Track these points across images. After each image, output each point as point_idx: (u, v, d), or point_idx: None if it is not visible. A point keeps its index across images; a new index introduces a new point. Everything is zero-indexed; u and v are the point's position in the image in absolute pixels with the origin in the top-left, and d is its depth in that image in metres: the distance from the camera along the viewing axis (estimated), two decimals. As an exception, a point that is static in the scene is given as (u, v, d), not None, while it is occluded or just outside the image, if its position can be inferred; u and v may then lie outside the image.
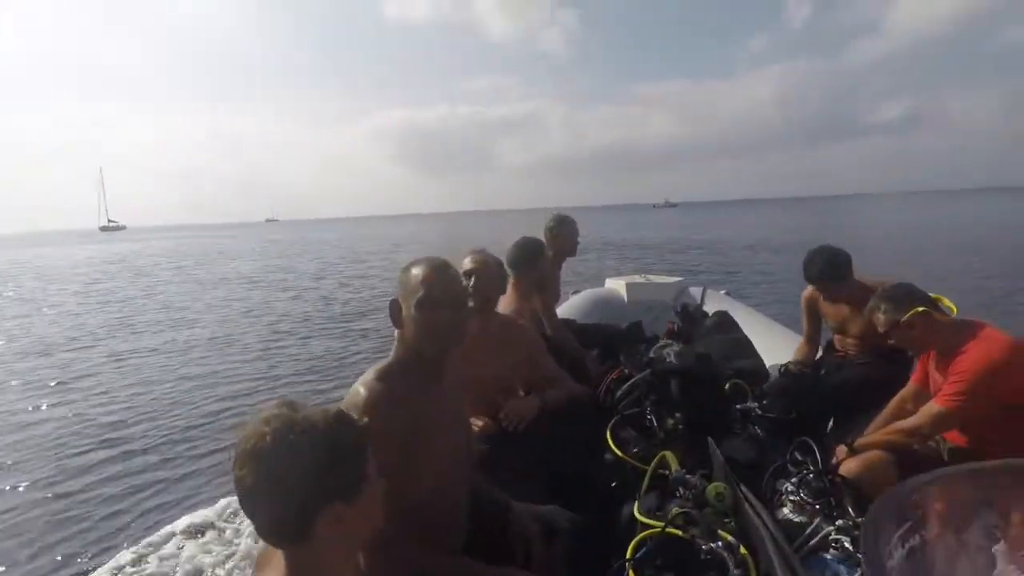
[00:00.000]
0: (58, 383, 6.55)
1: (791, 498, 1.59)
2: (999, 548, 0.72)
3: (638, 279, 4.76)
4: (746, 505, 1.43)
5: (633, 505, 1.62)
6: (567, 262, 3.37)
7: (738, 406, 2.27)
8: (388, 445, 1.13)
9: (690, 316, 3.51)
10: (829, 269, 2.63)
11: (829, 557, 1.37)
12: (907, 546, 0.71)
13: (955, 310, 1.95)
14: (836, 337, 2.91)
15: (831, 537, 1.37)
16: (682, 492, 1.58)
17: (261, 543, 0.85)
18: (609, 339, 3.41)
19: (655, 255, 20.07)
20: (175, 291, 15.24)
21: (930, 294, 1.94)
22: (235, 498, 0.79)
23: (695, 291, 4.39)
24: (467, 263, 2.16)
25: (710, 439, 1.83)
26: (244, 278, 17.97)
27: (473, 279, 2.08)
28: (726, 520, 1.49)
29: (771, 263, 15.33)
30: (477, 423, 1.98)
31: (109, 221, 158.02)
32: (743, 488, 1.52)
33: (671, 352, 2.17)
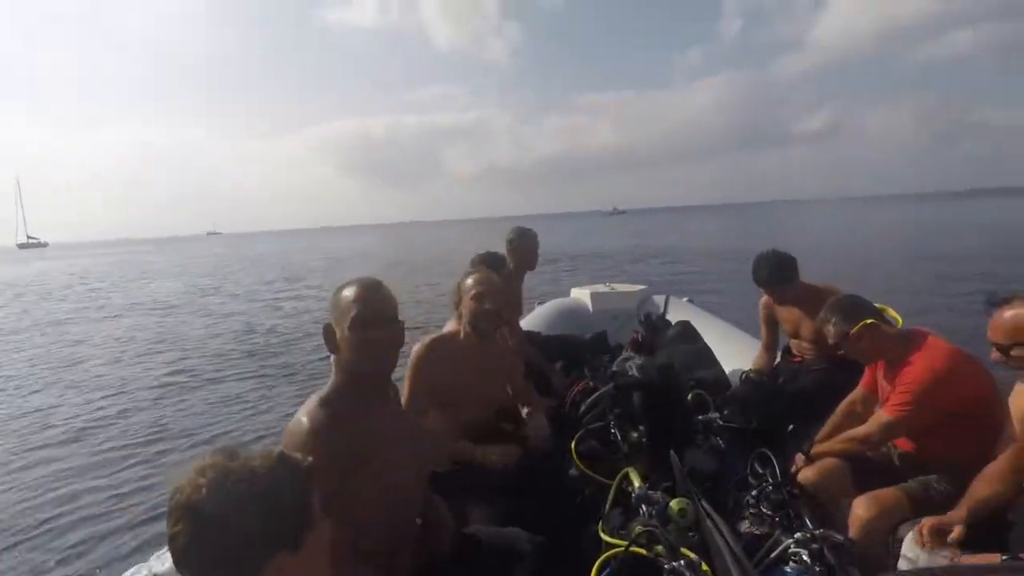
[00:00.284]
0: None
1: (751, 511, 1.61)
2: None
3: (602, 288, 4.80)
4: (707, 520, 1.44)
5: (598, 524, 1.61)
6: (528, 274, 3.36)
7: (700, 417, 2.31)
8: (331, 473, 1.14)
9: (653, 325, 3.55)
10: (776, 272, 2.74)
11: (789, 570, 1.38)
12: None
13: (900, 320, 2.03)
14: (792, 342, 2.99)
15: (790, 550, 1.39)
16: (645, 509, 1.58)
17: None
18: (574, 351, 3.42)
19: (613, 264, 19.89)
20: (76, 319, 13.19)
21: (876, 305, 2.01)
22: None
23: (658, 299, 4.45)
24: (474, 285, 2.13)
25: (672, 452, 1.84)
26: (160, 303, 15.92)
27: (488, 301, 2.09)
28: (690, 534, 1.50)
29: (729, 269, 15.42)
30: (493, 453, 1.99)
31: (29, 238, 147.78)
32: (704, 503, 1.53)
33: (633, 365, 2.19)
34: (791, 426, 2.49)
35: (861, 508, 1.73)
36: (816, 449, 2.04)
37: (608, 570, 1.38)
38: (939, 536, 1.47)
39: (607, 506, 1.71)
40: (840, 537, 1.38)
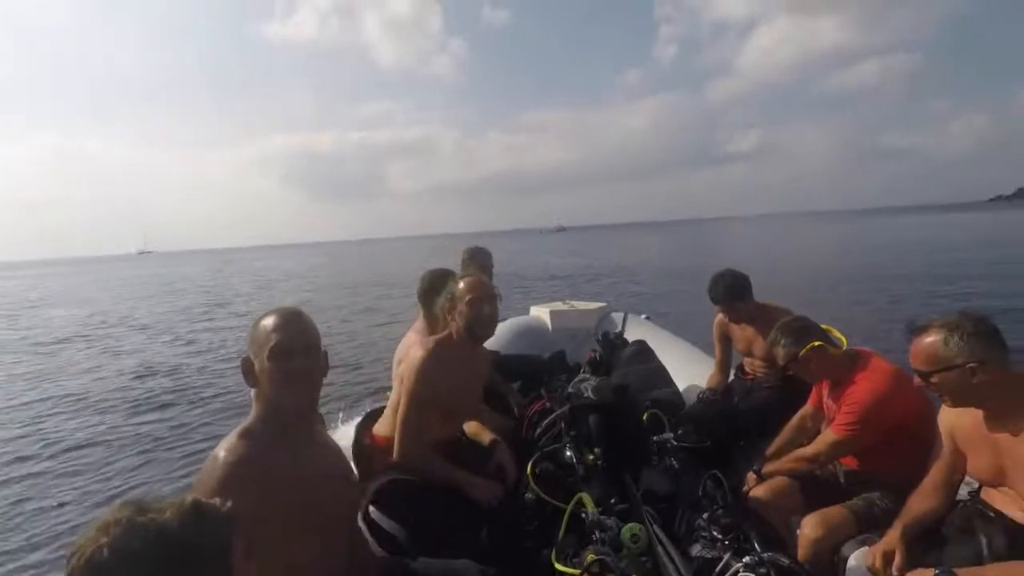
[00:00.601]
0: None
1: (703, 534, 1.61)
2: None
3: (561, 306, 4.81)
4: (659, 546, 1.43)
5: (551, 551, 1.58)
6: None
7: (655, 437, 2.31)
8: (254, 512, 1.07)
9: (611, 344, 3.57)
10: (731, 290, 2.83)
11: (738, 594, 1.38)
12: None
13: (845, 341, 2.10)
14: (745, 360, 3.07)
15: (739, 574, 1.39)
16: (598, 535, 1.56)
17: None
18: (532, 370, 3.40)
19: (566, 284, 19.31)
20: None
21: (822, 326, 2.08)
22: None
23: (617, 316, 4.49)
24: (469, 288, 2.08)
25: (627, 475, 1.83)
26: (51, 336, 13.73)
27: (485, 306, 2.07)
28: (643, 559, 1.49)
29: (681, 287, 15.69)
30: (480, 486, 1.95)
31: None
32: (656, 528, 1.52)
33: (589, 386, 2.18)
34: (744, 445, 2.53)
35: (809, 527, 1.76)
36: (767, 468, 2.08)
37: None
38: (889, 560, 1.49)
39: (560, 533, 1.68)
40: (786, 560, 1.40)
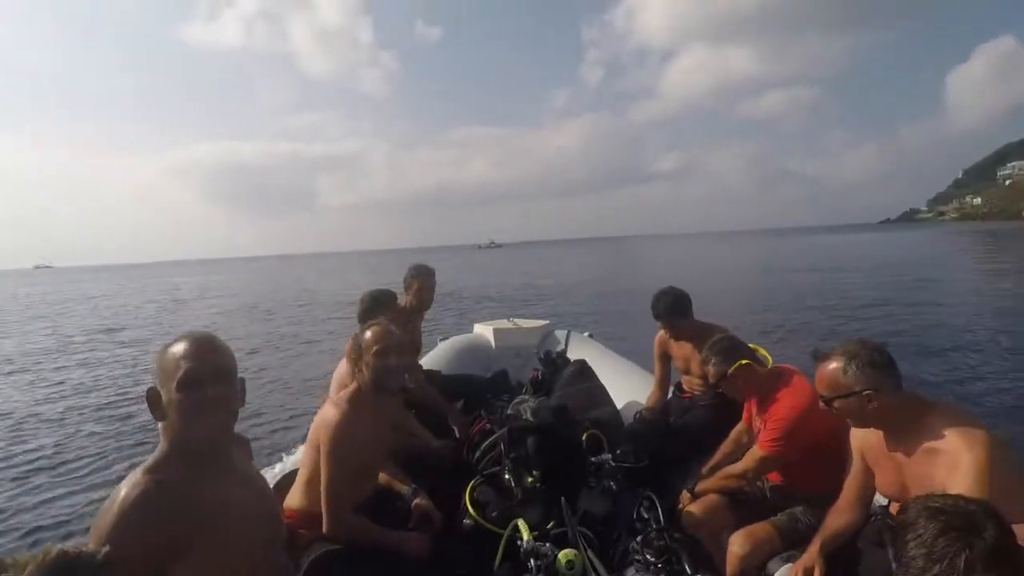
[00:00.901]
0: None
1: (636, 557, 1.62)
2: None
3: (505, 324, 4.81)
4: (592, 573, 1.42)
5: None
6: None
7: (594, 458, 2.32)
8: (162, 551, 1.05)
9: (553, 363, 3.58)
10: (674, 307, 2.86)
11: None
12: None
13: (770, 359, 2.18)
14: (684, 377, 3.12)
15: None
16: (534, 564, 1.54)
17: None
18: (474, 389, 3.36)
19: (506, 301, 18.50)
20: None
21: (749, 345, 2.16)
22: None
23: (560, 334, 4.53)
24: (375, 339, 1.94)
25: (563, 499, 1.82)
26: None
27: (392, 357, 1.93)
28: None
29: (621, 304, 15.75)
30: (407, 540, 1.83)
31: None
32: (590, 554, 1.51)
33: (527, 408, 2.17)
34: (681, 463, 2.58)
35: (736, 545, 1.81)
36: (699, 486, 2.13)
37: None
38: None
39: (496, 562, 1.65)
40: None
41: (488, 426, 2.58)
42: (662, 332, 3.05)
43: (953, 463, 1.30)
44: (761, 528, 1.86)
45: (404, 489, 2.08)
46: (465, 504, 2.03)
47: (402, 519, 1.98)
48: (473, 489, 2.10)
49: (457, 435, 2.84)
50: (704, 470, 2.23)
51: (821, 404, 1.53)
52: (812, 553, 1.59)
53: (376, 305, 2.57)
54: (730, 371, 2.04)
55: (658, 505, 1.80)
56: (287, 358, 10.63)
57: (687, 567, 1.49)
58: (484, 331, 4.74)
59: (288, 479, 2.05)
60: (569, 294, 20.55)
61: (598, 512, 2.05)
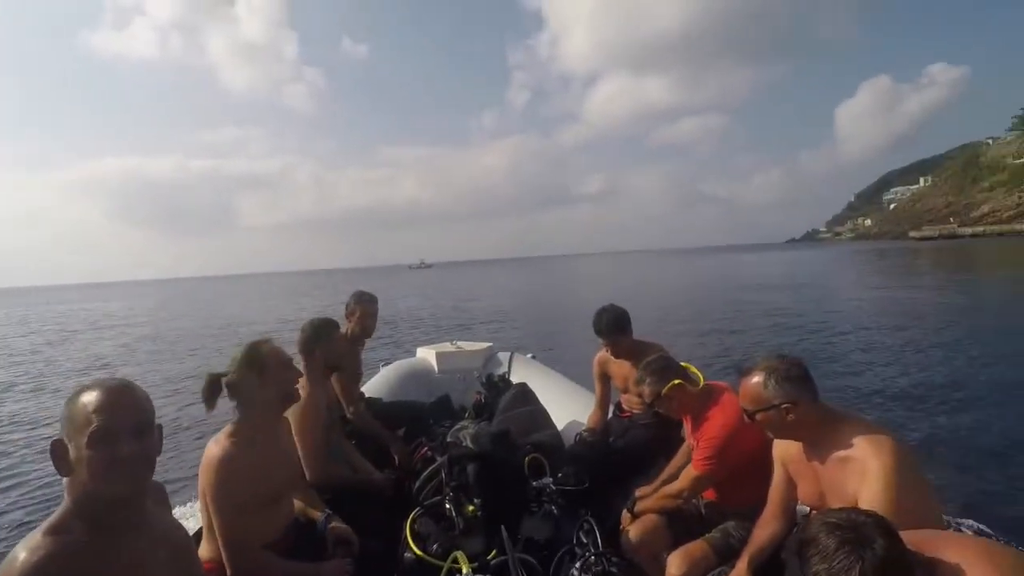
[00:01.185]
0: None
1: (576, 582, 1.62)
2: None
3: (448, 347, 4.76)
4: None
5: None
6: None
7: (535, 482, 2.32)
8: None
9: (495, 386, 3.57)
10: (615, 323, 2.89)
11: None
12: None
13: (701, 378, 2.27)
14: (623, 396, 3.16)
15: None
16: None
17: None
18: (416, 415, 3.30)
19: (442, 323, 17.97)
20: None
21: (681, 363, 2.23)
22: None
23: (503, 356, 4.52)
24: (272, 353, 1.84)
25: (503, 528, 1.80)
26: None
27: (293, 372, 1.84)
28: None
29: (560, 323, 15.84)
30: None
31: None
32: None
33: (467, 435, 2.15)
34: (622, 484, 2.62)
35: (674, 565, 1.84)
36: (639, 506, 2.16)
37: None
38: None
39: None
40: None
41: (429, 454, 2.53)
42: (601, 352, 3.08)
43: (863, 469, 1.38)
44: (697, 546, 1.90)
45: (317, 515, 1.97)
46: (406, 537, 1.97)
47: (320, 548, 1.87)
48: (414, 521, 2.04)
49: (398, 464, 2.76)
50: (649, 490, 2.26)
51: (745, 417, 1.61)
52: (740, 568, 1.64)
53: (320, 333, 2.47)
54: (663, 391, 2.08)
55: (595, 529, 1.82)
56: (199, 390, 9.69)
57: None
58: (427, 355, 4.66)
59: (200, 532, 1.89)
60: (505, 314, 20.45)
61: (540, 537, 2.04)
